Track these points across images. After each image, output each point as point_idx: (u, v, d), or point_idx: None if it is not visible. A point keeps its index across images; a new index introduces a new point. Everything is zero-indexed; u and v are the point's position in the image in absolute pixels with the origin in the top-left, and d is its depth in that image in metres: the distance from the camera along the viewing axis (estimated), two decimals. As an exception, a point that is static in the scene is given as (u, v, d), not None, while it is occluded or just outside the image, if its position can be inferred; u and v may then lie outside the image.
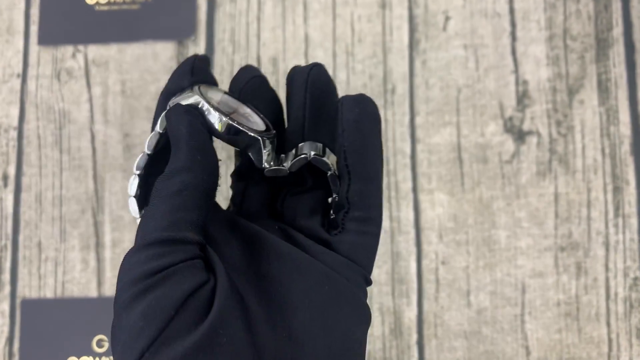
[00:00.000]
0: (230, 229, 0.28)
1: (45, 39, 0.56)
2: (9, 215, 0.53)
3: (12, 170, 0.54)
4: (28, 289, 0.52)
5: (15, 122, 0.55)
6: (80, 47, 0.55)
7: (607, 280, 0.50)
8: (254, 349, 0.24)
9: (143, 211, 0.28)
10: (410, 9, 0.54)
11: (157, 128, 0.29)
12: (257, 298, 0.26)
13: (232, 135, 0.28)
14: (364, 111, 0.28)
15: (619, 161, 0.51)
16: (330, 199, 0.29)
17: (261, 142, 0.28)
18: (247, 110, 0.29)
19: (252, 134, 0.28)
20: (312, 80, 0.29)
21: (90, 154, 0.54)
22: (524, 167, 0.52)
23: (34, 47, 0.56)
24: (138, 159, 0.29)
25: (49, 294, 0.52)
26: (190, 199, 0.25)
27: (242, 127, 0.27)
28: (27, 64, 0.56)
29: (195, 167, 0.26)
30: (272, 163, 0.29)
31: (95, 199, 0.53)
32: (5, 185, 0.54)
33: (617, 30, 0.53)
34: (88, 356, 0.51)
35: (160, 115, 0.29)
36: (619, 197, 0.51)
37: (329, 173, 0.28)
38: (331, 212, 0.29)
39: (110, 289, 0.52)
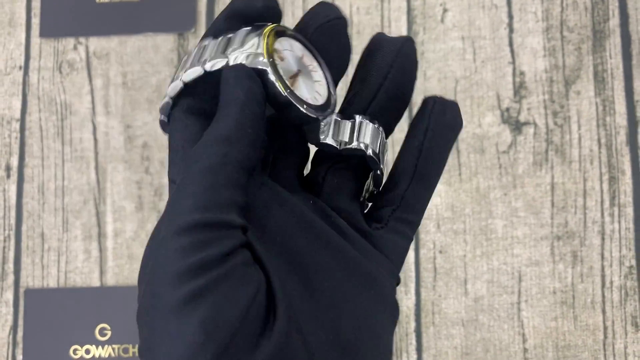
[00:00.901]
0: (269, 200, 0.25)
1: (47, 32, 0.56)
2: (12, 206, 0.54)
3: (14, 162, 0.55)
4: (31, 279, 0.53)
5: (17, 114, 0.55)
6: (82, 40, 0.56)
7: (602, 268, 0.51)
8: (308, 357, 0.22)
9: (177, 182, 0.24)
10: (408, 1, 0.55)
11: (207, 65, 0.24)
12: (300, 290, 0.23)
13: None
14: (455, 119, 0.26)
15: (614, 151, 0.52)
16: (367, 183, 0.27)
17: (320, 121, 0.25)
18: (313, 68, 0.26)
19: (313, 116, 0.25)
20: (403, 54, 0.26)
21: (92, 146, 0.54)
22: (520, 158, 0.52)
23: (35, 39, 0.56)
24: (171, 85, 0.25)
25: (52, 283, 0.53)
26: (234, 175, 0.22)
27: (302, 108, 0.24)
28: (29, 57, 0.56)
29: (244, 140, 0.23)
30: (332, 138, 0.26)
31: (97, 190, 0.54)
32: (8, 176, 0.55)
33: (614, 22, 0.53)
34: (91, 344, 0.52)
35: (211, 37, 0.25)
36: (615, 186, 0.51)
37: (375, 167, 0.26)
38: (365, 197, 0.28)
39: (112, 278, 0.53)
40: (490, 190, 0.52)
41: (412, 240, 0.27)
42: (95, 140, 0.55)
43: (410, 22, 0.55)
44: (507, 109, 0.53)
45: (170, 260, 0.21)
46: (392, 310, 0.25)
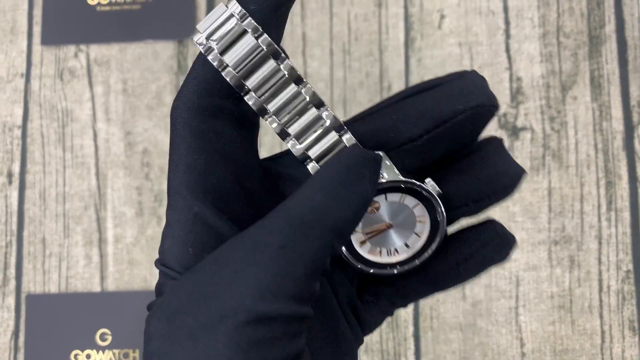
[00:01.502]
0: None
1: (48, 39, 0.57)
2: (13, 212, 0.55)
3: (16, 168, 0.55)
4: (33, 284, 0.54)
5: (19, 121, 0.56)
6: (83, 47, 0.57)
7: (600, 273, 0.51)
8: None
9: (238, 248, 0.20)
10: (405, 8, 0.55)
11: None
12: None
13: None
14: (504, 258, 0.25)
15: (611, 156, 0.52)
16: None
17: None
18: (421, 220, 0.23)
19: (369, 271, 0.23)
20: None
21: (92, 152, 0.55)
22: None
23: (37, 47, 0.57)
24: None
25: (53, 289, 0.53)
26: (327, 267, 0.20)
27: (357, 265, 0.23)
28: (31, 64, 0.57)
29: (350, 234, 0.21)
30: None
31: (98, 196, 0.54)
32: (10, 182, 0.55)
33: (610, 27, 0.54)
34: (91, 349, 0.52)
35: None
36: (612, 191, 0.52)
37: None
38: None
39: (112, 283, 0.53)
40: (487, 195, 0.52)
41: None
42: (96, 146, 0.55)
43: (407, 29, 0.55)
44: (504, 115, 0.53)
45: (225, 354, 0.18)
46: None
